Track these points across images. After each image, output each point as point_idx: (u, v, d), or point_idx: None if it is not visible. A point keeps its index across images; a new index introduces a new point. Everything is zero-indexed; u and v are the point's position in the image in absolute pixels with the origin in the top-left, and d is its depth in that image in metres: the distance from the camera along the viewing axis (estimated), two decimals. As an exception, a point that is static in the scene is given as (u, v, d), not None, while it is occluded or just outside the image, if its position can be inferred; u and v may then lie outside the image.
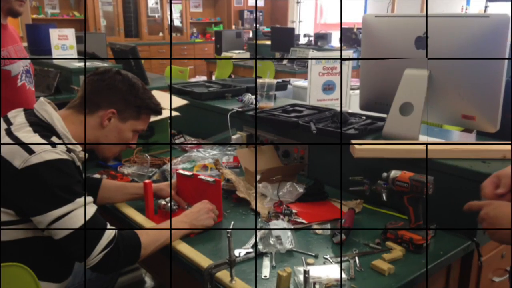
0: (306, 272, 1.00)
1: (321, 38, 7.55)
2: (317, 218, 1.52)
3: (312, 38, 7.89)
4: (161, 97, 2.04)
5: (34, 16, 8.01)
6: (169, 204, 1.53)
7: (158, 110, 1.50)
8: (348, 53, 2.32)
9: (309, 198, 1.65)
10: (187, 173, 1.61)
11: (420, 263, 1.26)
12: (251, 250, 1.30)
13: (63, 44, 3.87)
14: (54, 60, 3.81)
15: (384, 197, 1.45)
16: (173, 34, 9.94)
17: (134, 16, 9.25)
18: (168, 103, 2.29)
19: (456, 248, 1.34)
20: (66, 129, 1.30)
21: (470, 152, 1.49)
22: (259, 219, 1.48)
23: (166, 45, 9.53)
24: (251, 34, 9.76)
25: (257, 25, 10.46)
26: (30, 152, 1.17)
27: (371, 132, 1.75)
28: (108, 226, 1.24)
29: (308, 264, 1.24)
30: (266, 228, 1.36)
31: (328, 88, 2.31)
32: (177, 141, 2.35)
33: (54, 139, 1.24)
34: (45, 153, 1.18)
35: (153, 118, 1.55)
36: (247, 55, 7.00)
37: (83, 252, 1.19)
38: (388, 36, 1.70)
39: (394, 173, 1.35)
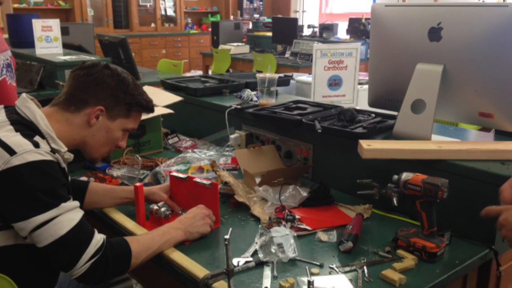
0: (310, 283, 1.00)
1: (326, 29, 7.56)
2: (322, 225, 1.52)
3: (316, 29, 7.89)
4: (153, 93, 2.05)
5: (16, 5, 8.02)
6: (161, 209, 1.53)
7: (150, 107, 1.50)
8: (356, 45, 2.32)
9: (313, 203, 1.65)
10: (181, 175, 1.61)
11: (433, 273, 1.26)
12: (250, 259, 1.30)
13: (47, 35, 3.87)
14: (37, 53, 3.81)
15: (395, 202, 1.45)
16: (166, 25, 9.95)
17: (124, 6, 9.25)
18: (161, 100, 2.30)
19: (473, 257, 1.34)
20: (50, 128, 1.30)
21: (487, 153, 1.49)
22: (259, 226, 1.48)
23: (159, 37, 9.54)
24: (250, 25, 9.77)
25: (257, 16, 10.47)
26: (11, 152, 1.17)
27: (381, 131, 1.76)
28: (96, 233, 1.24)
29: (312, 274, 1.24)
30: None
31: (334, 83, 2.30)
32: (170, 141, 2.35)
33: (37, 138, 1.24)
34: (27, 154, 1.17)
35: (144, 116, 1.55)
36: (246, 48, 7.00)
37: (69, 261, 1.19)
38: (399, 27, 1.70)
39: (405, 175, 1.35)
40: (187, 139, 2.40)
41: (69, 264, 1.19)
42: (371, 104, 1.89)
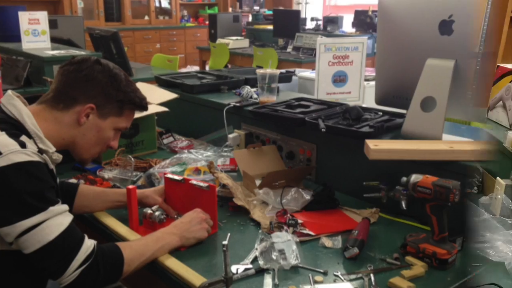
0: (313, 292, 1.01)
1: (331, 22, 7.56)
2: (327, 229, 1.52)
3: (320, 22, 7.90)
4: (147, 90, 2.05)
5: (1, -4, 8.02)
6: (156, 213, 1.53)
7: (143, 105, 1.50)
8: (362, 39, 2.32)
9: (317, 206, 1.66)
10: (176, 177, 1.61)
11: (445, 280, 1.26)
12: (250, 266, 1.30)
13: (34, 29, 3.87)
14: (24, 47, 3.81)
15: (404, 205, 1.45)
16: (161, 18, 9.95)
17: (115, -3, 9.24)
18: (155, 97, 2.30)
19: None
20: (37, 127, 1.30)
21: (502, 154, 1.49)
22: (260, 231, 1.49)
23: (153, 30, 9.53)
24: (250, 18, 9.77)
25: (258, 8, 10.47)
26: (-4, 153, 1.17)
27: (389, 130, 1.76)
28: (86, 239, 1.24)
29: (316, 282, 1.24)
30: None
31: (339, 79, 2.31)
32: (165, 141, 2.35)
33: (24, 138, 1.24)
34: (13, 154, 1.17)
35: (137, 115, 1.55)
36: (246, 42, 7.01)
37: (57, 269, 1.19)
38: (408, 20, 1.70)
39: (414, 177, 1.35)
40: (183, 138, 2.40)
41: (57, 272, 1.19)
42: (378, 101, 1.89)
